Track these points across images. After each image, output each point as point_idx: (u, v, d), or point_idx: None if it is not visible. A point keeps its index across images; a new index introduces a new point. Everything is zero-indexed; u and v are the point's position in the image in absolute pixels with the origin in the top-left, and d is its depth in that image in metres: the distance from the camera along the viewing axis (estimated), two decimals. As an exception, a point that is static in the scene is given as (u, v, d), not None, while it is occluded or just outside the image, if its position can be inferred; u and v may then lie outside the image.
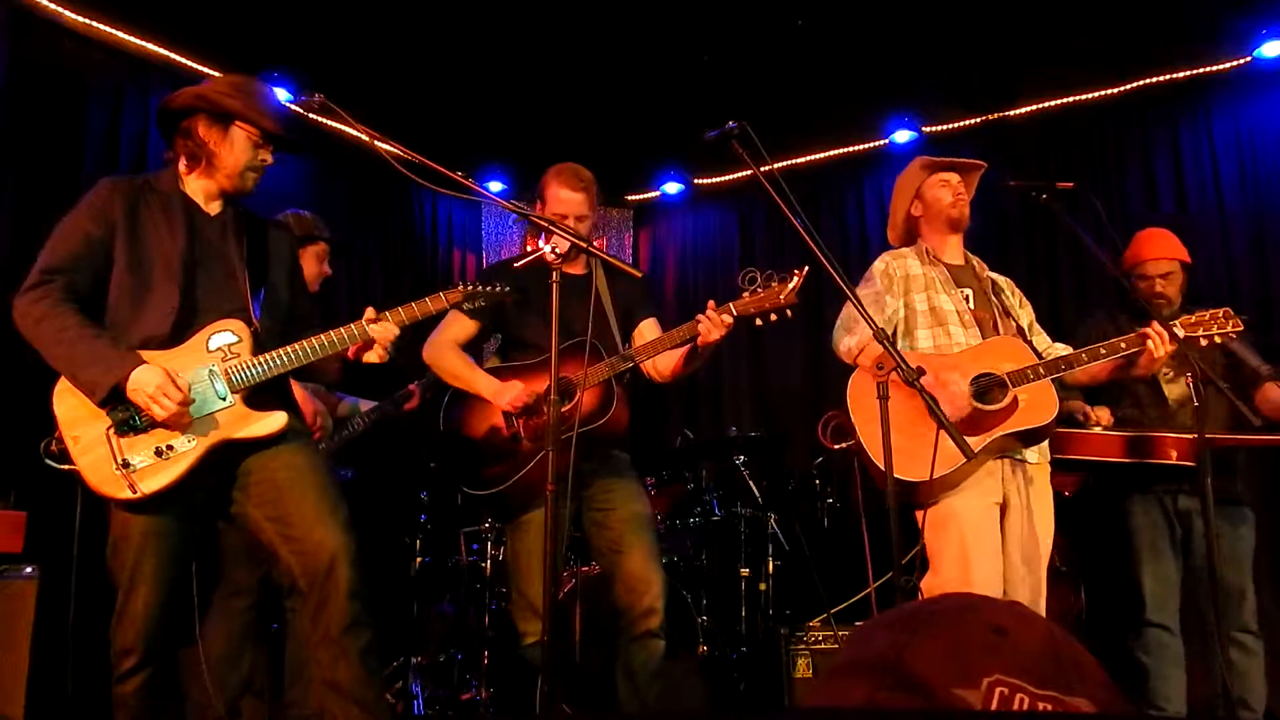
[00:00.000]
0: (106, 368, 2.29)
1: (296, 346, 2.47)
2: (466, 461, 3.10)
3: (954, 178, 3.15)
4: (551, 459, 2.36)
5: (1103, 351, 2.88)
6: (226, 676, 2.97)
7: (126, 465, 2.30)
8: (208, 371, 2.40)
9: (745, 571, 4.59)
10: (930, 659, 0.65)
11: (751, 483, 4.89)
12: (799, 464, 5.36)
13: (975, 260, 3.22)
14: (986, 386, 2.86)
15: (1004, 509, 2.92)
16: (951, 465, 2.74)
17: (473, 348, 3.25)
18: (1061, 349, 3.13)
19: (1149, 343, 2.86)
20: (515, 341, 3.17)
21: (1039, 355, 2.94)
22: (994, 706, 0.62)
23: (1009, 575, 2.89)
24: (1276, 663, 3.54)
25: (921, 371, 2.33)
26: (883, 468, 2.63)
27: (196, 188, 2.57)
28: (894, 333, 3.07)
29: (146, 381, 2.29)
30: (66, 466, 2.32)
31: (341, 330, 2.51)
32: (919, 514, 2.85)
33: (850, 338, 3.01)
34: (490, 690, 4.21)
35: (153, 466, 2.32)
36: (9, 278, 2.45)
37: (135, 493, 2.29)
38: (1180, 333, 2.87)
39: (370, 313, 2.54)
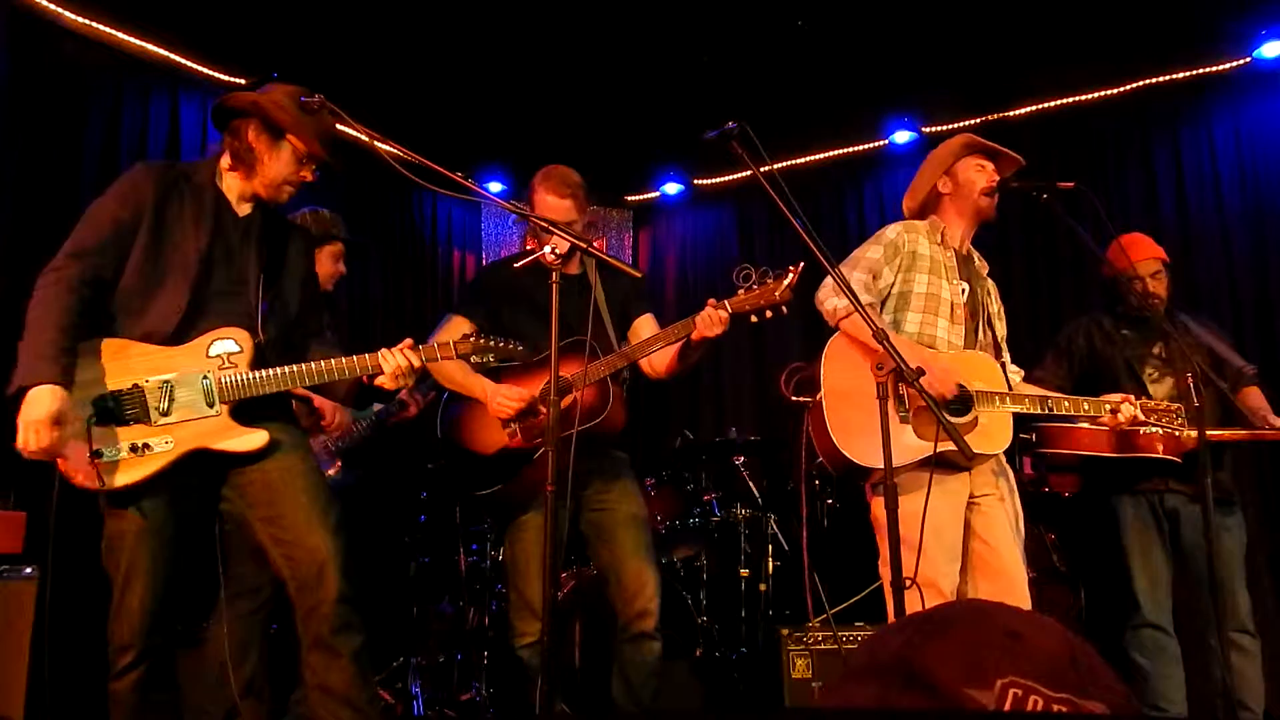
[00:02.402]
0: (29, 369, 2.24)
1: (295, 370, 2.44)
2: (464, 463, 3.10)
3: (991, 166, 3.04)
4: (551, 459, 2.35)
5: (1066, 405, 2.91)
6: (230, 677, 2.96)
7: (99, 455, 2.28)
8: (201, 377, 2.38)
9: (745, 572, 4.59)
10: (943, 660, 0.65)
11: (751, 484, 4.89)
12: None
13: (977, 255, 3.14)
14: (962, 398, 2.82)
15: (975, 501, 2.84)
16: (909, 458, 2.66)
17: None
18: (1015, 372, 3.08)
19: (1118, 415, 2.91)
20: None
21: (1009, 384, 2.91)
22: (1007, 707, 0.62)
23: (994, 562, 2.80)
24: (1275, 663, 3.55)
25: (922, 372, 2.32)
26: (834, 439, 2.72)
27: (232, 185, 2.55)
28: (880, 307, 2.96)
29: (32, 412, 2.21)
30: None
31: (343, 361, 2.48)
32: (868, 489, 2.82)
33: (837, 299, 2.85)
34: (490, 690, 4.21)
35: (125, 462, 2.30)
36: (9, 278, 2.43)
37: (100, 485, 2.27)
38: (1139, 414, 2.93)
39: (408, 342, 2.52)
